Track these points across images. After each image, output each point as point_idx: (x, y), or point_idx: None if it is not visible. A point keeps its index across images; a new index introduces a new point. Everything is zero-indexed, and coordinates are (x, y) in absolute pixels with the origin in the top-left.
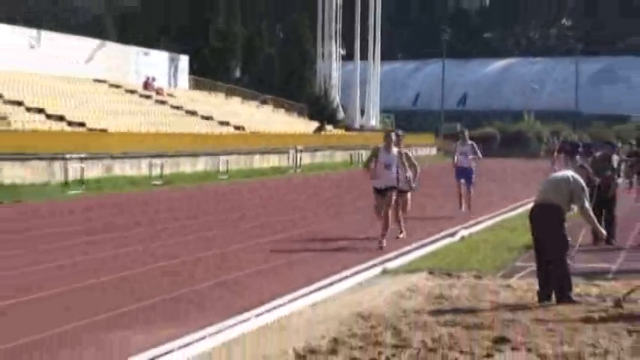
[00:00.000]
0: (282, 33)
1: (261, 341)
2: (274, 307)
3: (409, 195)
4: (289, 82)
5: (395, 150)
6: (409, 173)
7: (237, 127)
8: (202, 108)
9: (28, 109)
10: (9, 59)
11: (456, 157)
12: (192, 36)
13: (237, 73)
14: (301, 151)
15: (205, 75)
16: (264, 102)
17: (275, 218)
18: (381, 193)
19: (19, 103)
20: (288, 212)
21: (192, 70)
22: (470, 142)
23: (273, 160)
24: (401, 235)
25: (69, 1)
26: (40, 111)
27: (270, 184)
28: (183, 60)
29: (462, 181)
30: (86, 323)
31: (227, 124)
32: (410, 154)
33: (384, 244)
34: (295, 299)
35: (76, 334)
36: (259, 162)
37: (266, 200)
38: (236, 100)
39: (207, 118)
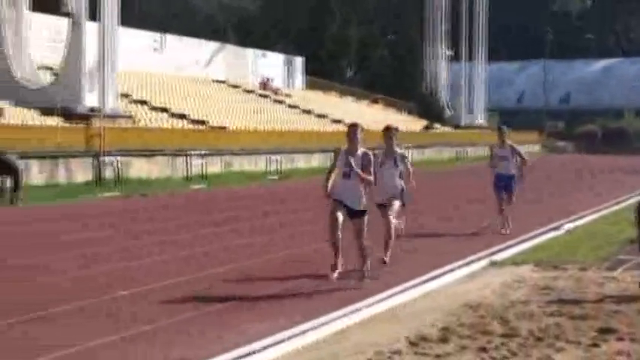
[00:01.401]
0: (392, 35)
1: (373, 329)
2: (385, 298)
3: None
4: (399, 82)
5: (397, 150)
6: (413, 182)
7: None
8: (317, 107)
9: (153, 108)
10: (135, 61)
11: (495, 163)
12: (308, 39)
13: (350, 74)
14: (410, 148)
15: (320, 76)
16: (374, 101)
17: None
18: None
19: (145, 103)
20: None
21: (307, 71)
22: (509, 142)
23: None
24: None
25: (190, 7)
26: (164, 110)
27: None
28: (299, 61)
29: (502, 192)
30: (212, 310)
31: (340, 122)
32: (407, 156)
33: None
34: (406, 290)
35: (205, 317)
36: None
37: None
38: (349, 100)
39: (322, 116)
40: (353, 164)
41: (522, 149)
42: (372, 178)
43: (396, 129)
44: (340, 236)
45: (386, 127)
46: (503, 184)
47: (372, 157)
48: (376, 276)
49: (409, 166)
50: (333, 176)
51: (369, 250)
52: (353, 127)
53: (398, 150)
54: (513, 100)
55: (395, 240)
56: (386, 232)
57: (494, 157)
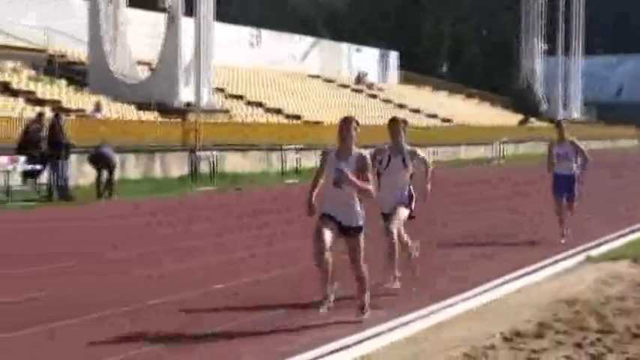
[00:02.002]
0: (487, 30)
1: (467, 325)
2: (479, 293)
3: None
4: (494, 77)
5: (406, 147)
6: (428, 187)
7: (444, 120)
8: (411, 101)
9: (249, 103)
10: (231, 56)
11: (554, 163)
12: (399, 35)
13: (445, 69)
14: (505, 142)
15: (414, 70)
16: (469, 96)
17: (480, 205)
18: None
19: (240, 97)
20: (492, 200)
21: (402, 66)
22: (571, 139)
23: (478, 151)
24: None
25: (285, 2)
26: (259, 105)
27: (477, 174)
28: (393, 56)
29: (563, 197)
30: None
31: (435, 116)
32: (418, 152)
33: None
34: (499, 285)
35: (296, 312)
36: (465, 153)
37: (472, 188)
38: (443, 94)
39: (416, 111)
40: (345, 170)
41: (584, 147)
42: (370, 186)
43: (405, 122)
44: (330, 260)
45: (392, 119)
46: (564, 188)
47: (369, 160)
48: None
49: (427, 164)
50: (320, 184)
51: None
52: (346, 122)
53: (407, 146)
54: (611, 94)
55: (411, 262)
56: (388, 246)
57: (553, 155)
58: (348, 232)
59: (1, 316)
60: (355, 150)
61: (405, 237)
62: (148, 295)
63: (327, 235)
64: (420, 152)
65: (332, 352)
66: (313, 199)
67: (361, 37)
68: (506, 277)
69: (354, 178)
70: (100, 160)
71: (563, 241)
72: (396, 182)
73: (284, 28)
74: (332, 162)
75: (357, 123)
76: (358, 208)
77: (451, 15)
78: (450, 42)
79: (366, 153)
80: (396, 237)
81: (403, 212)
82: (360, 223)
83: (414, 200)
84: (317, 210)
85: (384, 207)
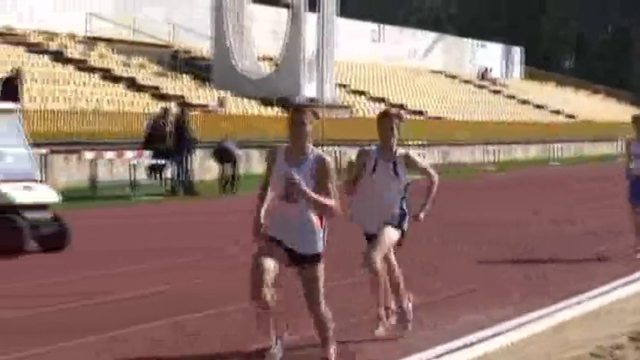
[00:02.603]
0: (612, 26)
1: (593, 324)
2: (605, 292)
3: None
4: (619, 73)
5: (398, 150)
6: (428, 206)
7: (568, 116)
8: (535, 97)
9: (371, 99)
10: (353, 52)
11: (631, 164)
12: (526, 30)
13: (569, 65)
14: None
15: (538, 66)
16: (595, 92)
17: (600, 202)
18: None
19: (363, 93)
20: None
21: (525, 62)
22: None
23: (602, 148)
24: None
25: (409, 0)
26: (382, 100)
27: (600, 171)
28: (517, 52)
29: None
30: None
31: (559, 112)
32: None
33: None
34: (624, 285)
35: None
36: (589, 149)
37: (594, 184)
38: (567, 90)
39: (540, 107)
40: (297, 177)
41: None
42: (332, 201)
43: (399, 116)
44: (272, 297)
45: (383, 112)
46: None
47: (330, 164)
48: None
49: (430, 175)
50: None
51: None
52: (298, 114)
53: (400, 149)
54: None
55: (403, 313)
56: (389, 273)
57: (631, 155)
58: (301, 262)
59: (128, 309)
60: (313, 150)
61: (396, 267)
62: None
63: (270, 264)
64: (417, 157)
65: (455, 350)
66: (262, 216)
67: (485, 32)
68: (630, 278)
69: (309, 190)
70: (223, 155)
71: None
72: (384, 195)
73: (407, 23)
74: (280, 166)
75: (314, 114)
76: (316, 231)
77: (576, 9)
78: (574, 37)
79: (328, 155)
80: (378, 266)
81: (391, 235)
82: (318, 249)
83: (406, 220)
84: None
85: (367, 225)
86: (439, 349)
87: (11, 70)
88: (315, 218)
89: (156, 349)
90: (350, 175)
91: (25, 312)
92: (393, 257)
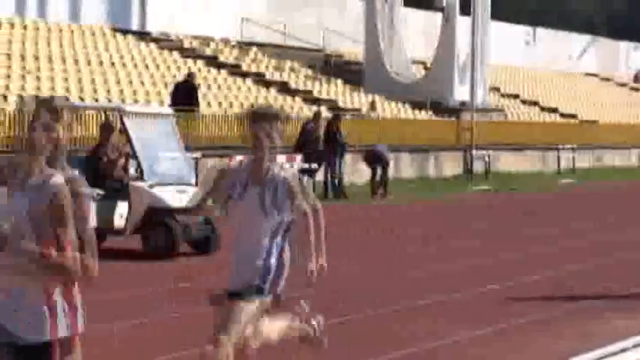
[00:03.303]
0: None
1: None
2: None
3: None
4: None
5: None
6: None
7: None
8: None
9: (524, 102)
10: (506, 55)
11: None
12: None
13: None
14: None
15: None
16: None
17: None
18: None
19: (515, 97)
20: None
21: None
22: None
23: None
24: None
25: (563, 3)
26: (535, 104)
27: None
28: None
29: None
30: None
31: None
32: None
33: None
34: None
35: (564, 317)
36: None
37: None
38: None
39: None
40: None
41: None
42: (68, 259)
43: (276, 116)
44: None
45: (252, 111)
46: None
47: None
48: None
49: (304, 211)
50: None
51: None
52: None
53: (281, 172)
54: None
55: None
56: None
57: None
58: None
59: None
60: (48, 173)
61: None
62: (418, 292)
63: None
64: (297, 185)
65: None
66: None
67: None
68: None
69: (28, 243)
70: (374, 159)
71: None
72: (250, 235)
73: (563, 26)
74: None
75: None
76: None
77: None
78: None
79: (78, 176)
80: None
81: (248, 307)
82: (44, 338)
83: (283, 276)
84: None
85: (231, 281)
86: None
87: (187, 75)
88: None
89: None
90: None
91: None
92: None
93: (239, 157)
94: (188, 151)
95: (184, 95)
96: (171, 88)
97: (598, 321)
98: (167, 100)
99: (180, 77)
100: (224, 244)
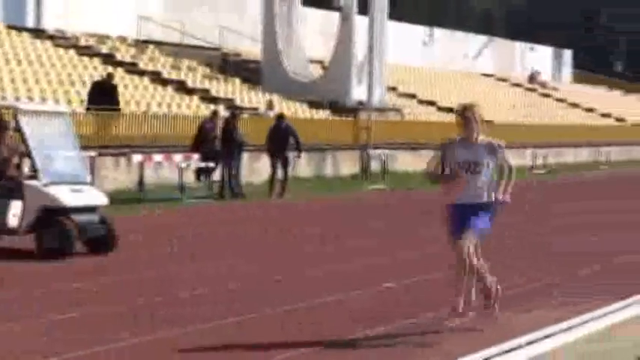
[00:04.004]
0: None
1: None
2: None
3: None
4: None
5: None
6: None
7: (618, 119)
8: (585, 101)
9: (421, 102)
10: (404, 55)
11: None
12: (576, 32)
13: (620, 68)
14: None
15: (587, 69)
16: None
17: None
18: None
19: (413, 96)
20: None
21: (575, 65)
22: None
23: None
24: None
25: (460, 1)
26: (432, 103)
27: None
28: (567, 55)
29: None
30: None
31: (608, 116)
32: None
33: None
34: None
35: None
36: (639, 153)
37: None
38: (617, 94)
39: (589, 110)
40: None
41: None
42: None
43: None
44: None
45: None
46: None
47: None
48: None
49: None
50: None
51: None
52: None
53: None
54: None
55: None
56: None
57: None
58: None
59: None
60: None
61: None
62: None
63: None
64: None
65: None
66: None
67: (535, 35)
68: None
69: None
70: (279, 156)
71: None
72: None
73: (460, 26)
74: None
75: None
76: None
77: (628, 13)
78: (625, 41)
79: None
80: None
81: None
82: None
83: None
84: None
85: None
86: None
87: (108, 75)
88: None
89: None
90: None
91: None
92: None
93: (137, 157)
94: (85, 149)
95: (103, 94)
96: (88, 87)
97: (491, 318)
98: (79, 98)
99: (91, 77)
100: (121, 244)
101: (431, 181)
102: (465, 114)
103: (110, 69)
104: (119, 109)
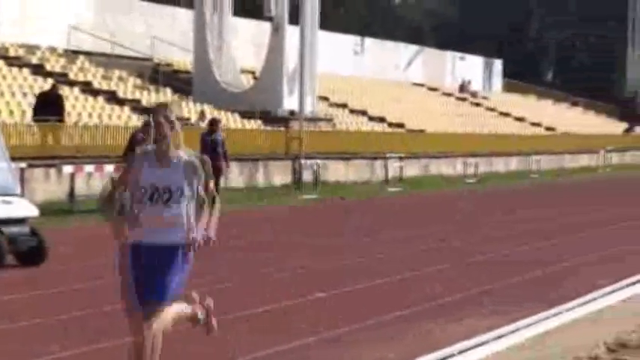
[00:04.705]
0: (593, 38)
1: (574, 334)
2: (586, 302)
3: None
4: (599, 85)
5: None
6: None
7: (548, 128)
8: (515, 110)
9: (352, 111)
10: (335, 65)
11: None
12: (506, 42)
13: (549, 77)
14: (610, 151)
15: (518, 78)
16: (574, 104)
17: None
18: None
19: (344, 106)
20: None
21: (506, 74)
22: None
23: (582, 160)
24: None
25: (390, 11)
26: (363, 113)
27: (581, 182)
28: (497, 64)
29: None
30: (407, 312)
31: (539, 125)
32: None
33: None
34: (606, 294)
35: (395, 322)
36: (569, 162)
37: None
38: (547, 103)
39: (520, 119)
40: None
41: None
42: None
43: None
44: None
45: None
46: None
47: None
48: None
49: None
50: None
51: None
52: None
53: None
54: None
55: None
56: None
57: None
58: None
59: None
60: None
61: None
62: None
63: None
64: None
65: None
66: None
67: (466, 44)
68: (615, 286)
69: None
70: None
71: None
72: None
73: (391, 36)
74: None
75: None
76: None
77: (557, 22)
78: (554, 50)
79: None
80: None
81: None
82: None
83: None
84: None
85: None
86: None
87: (53, 86)
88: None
89: None
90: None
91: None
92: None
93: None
94: (15, 160)
95: (48, 105)
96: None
97: (424, 327)
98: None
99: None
100: (51, 256)
101: (103, 215)
102: (156, 118)
103: (40, 80)
104: (62, 120)
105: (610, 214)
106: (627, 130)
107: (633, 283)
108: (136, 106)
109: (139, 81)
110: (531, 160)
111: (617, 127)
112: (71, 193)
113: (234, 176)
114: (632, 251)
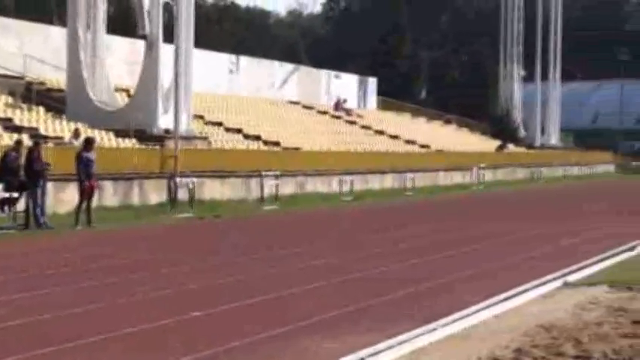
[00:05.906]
0: (466, 56)
1: (447, 350)
2: (460, 318)
3: None
4: (472, 103)
5: None
6: None
7: (422, 146)
8: (390, 128)
9: (228, 130)
10: (210, 83)
11: None
12: (380, 60)
13: (423, 95)
14: (484, 168)
15: (392, 96)
16: (447, 121)
17: (466, 232)
18: None
19: (219, 124)
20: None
21: (380, 92)
22: None
23: (456, 177)
24: None
25: (265, 30)
26: (238, 131)
27: (455, 199)
28: (372, 82)
29: None
30: (284, 330)
31: (413, 142)
32: None
33: None
34: (480, 310)
35: (272, 340)
36: (443, 179)
37: (451, 212)
38: (421, 120)
39: (395, 137)
40: None
41: None
42: None
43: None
44: None
45: None
46: None
47: None
48: None
49: None
50: None
51: None
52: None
53: None
54: (588, 121)
55: None
56: None
57: None
58: None
59: None
60: None
61: None
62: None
63: None
64: None
65: None
66: None
67: (341, 63)
68: (487, 302)
69: None
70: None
71: None
72: None
73: (266, 55)
74: None
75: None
76: None
77: (430, 41)
78: (428, 68)
79: None
80: None
81: None
82: None
83: None
84: None
85: None
86: None
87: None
88: None
89: None
90: None
91: None
92: None
93: None
94: None
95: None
96: None
97: (301, 344)
98: None
99: None
100: None
101: None
102: None
103: None
104: None
105: (483, 230)
106: (500, 148)
107: (506, 299)
108: (8, 125)
109: (11, 99)
110: (406, 178)
111: (490, 144)
112: None
113: (109, 195)
114: (505, 267)
